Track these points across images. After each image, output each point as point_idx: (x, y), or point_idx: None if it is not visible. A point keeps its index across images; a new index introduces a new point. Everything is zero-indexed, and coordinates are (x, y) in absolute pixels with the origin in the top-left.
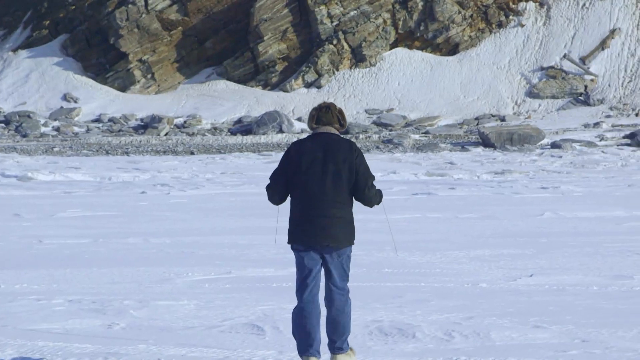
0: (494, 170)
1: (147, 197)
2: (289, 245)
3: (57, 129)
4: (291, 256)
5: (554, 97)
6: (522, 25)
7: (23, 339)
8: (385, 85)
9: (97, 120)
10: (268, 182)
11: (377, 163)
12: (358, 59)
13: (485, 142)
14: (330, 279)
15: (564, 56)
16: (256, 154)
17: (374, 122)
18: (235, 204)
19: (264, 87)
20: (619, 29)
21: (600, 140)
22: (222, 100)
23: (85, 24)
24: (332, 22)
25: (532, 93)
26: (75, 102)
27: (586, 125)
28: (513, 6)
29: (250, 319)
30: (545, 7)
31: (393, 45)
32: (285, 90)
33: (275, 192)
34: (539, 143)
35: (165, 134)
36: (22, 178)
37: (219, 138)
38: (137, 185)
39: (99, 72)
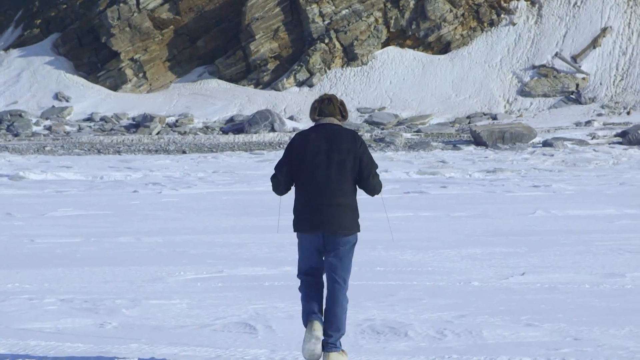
0: (486, 169)
1: (138, 196)
2: (295, 234)
3: (49, 128)
4: (283, 255)
5: (545, 95)
6: (514, 24)
7: (15, 339)
8: (377, 84)
9: (89, 119)
10: (273, 172)
11: None
12: (350, 57)
13: (477, 140)
14: (335, 268)
15: (556, 55)
16: (248, 152)
17: (366, 121)
18: (227, 203)
19: (256, 85)
20: (611, 27)
21: (592, 139)
22: (214, 99)
23: (77, 22)
24: (323, 20)
25: (524, 91)
26: (67, 101)
27: (578, 124)
28: (504, 5)
29: (242, 317)
30: (537, 5)
31: (385, 44)
32: (277, 89)
33: (281, 182)
34: (531, 141)
35: (157, 133)
36: (13, 177)
37: (210, 137)
38: (129, 184)
39: (90, 71)
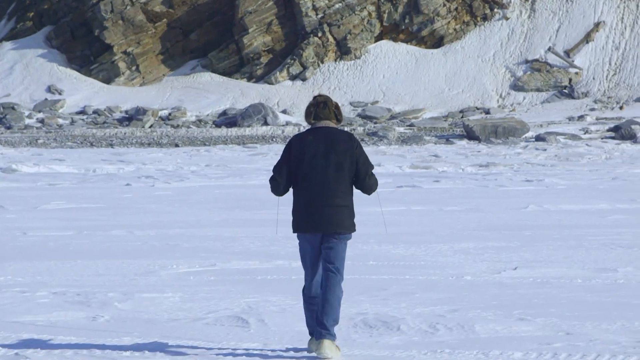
0: (479, 163)
1: (131, 190)
2: (295, 234)
3: (42, 121)
4: (275, 249)
5: (538, 90)
6: (507, 18)
7: (7, 331)
8: (370, 78)
9: (82, 112)
10: (271, 174)
11: None
12: (343, 51)
13: (470, 135)
14: (329, 258)
15: (549, 49)
16: (241, 146)
17: (359, 115)
18: (220, 197)
19: (249, 79)
20: (604, 22)
21: (585, 134)
22: (207, 92)
23: (70, 15)
24: (317, 14)
25: (517, 86)
26: (60, 94)
27: (570, 119)
28: None
29: (234, 311)
30: (530, 0)
31: (378, 38)
32: (270, 83)
33: (280, 184)
34: (524, 136)
35: (150, 126)
36: (6, 170)
37: (203, 130)
38: (122, 178)
39: (83, 64)
